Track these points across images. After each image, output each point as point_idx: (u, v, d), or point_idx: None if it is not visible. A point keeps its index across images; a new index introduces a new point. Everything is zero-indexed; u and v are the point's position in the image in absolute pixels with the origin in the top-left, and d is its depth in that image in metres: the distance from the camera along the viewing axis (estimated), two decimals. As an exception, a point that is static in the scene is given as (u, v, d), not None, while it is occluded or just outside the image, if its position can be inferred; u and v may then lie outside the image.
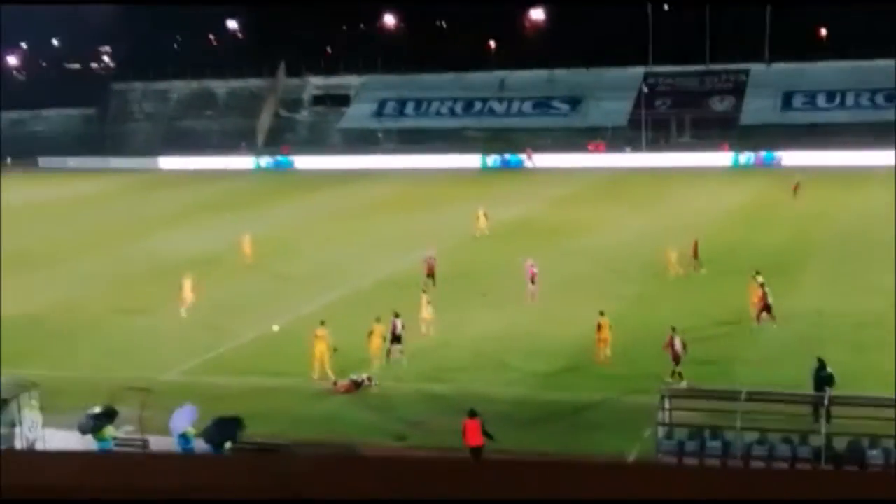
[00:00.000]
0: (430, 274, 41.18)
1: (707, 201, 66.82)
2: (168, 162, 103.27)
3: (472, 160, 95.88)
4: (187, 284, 41.41)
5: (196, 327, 39.04)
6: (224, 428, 25.05)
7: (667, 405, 25.07)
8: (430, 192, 77.27)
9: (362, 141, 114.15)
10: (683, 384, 29.67)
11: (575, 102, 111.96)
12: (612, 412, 28.69)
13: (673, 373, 30.53)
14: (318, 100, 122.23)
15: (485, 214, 56.58)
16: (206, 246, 55.25)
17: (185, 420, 25.63)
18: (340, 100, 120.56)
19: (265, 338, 36.97)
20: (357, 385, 31.29)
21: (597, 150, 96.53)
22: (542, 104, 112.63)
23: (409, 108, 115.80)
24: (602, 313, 33.40)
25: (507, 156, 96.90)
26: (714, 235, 54.22)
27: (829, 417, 24.31)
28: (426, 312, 35.71)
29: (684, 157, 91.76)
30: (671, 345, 30.74)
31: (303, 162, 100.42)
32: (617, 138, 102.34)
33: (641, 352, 33.66)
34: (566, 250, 51.17)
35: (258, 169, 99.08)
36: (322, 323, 33.37)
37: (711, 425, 25.36)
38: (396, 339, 33.24)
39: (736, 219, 60.04)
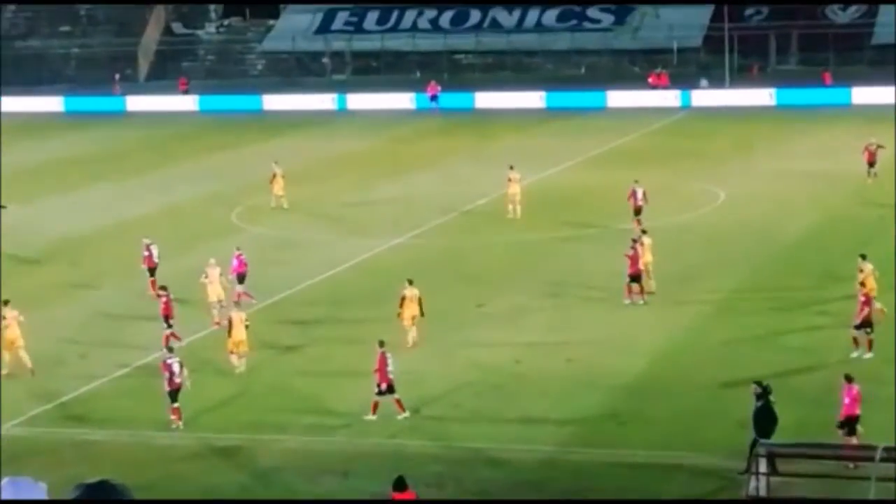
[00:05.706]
0: (151, 268, 48.62)
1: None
2: (8, 103, 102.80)
3: (464, 99, 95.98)
4: None
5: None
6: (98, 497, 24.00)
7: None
8: (398, 148, 77.99)
9: (298, 71, 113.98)
10: None
11: (623, 13, 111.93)
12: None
13: None
14: (230, 10, 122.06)
15: (282, 176, 60.71)
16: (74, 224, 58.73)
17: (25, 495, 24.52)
18: (265, 10, 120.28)
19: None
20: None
21: (658, 83, 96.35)
22: (572, 14, 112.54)
23: (370, 20, 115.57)
24: (410, 281, 40.46)
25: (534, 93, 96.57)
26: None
27: None
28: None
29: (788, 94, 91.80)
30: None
31: (207, 102, 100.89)
32: (687, 66, 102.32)
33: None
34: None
35: (140, 113, 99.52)
36: (6, 303, 37.17)
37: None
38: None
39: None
